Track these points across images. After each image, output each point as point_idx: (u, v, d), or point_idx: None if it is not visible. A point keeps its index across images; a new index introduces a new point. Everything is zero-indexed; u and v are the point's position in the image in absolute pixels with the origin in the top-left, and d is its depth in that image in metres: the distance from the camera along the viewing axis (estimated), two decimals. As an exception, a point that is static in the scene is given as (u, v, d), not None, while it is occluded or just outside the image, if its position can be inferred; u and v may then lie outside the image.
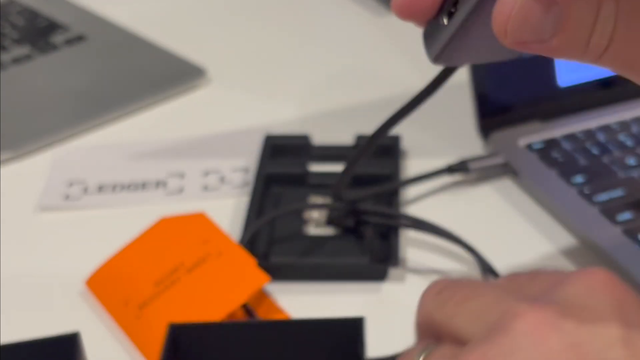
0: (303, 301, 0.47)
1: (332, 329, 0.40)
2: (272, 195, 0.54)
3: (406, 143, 0.58)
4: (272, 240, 0.50)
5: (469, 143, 0.57)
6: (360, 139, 0.57)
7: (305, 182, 0.55)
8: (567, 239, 0.49)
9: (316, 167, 0.56)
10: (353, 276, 0.48)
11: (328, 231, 0.51)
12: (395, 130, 0.58)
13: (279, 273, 0.47)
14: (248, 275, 0.45)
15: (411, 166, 0.56)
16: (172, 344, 0.40)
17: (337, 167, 0.54)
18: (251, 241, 0.49)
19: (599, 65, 0.28)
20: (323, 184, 0.54)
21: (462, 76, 0.56)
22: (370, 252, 0.49)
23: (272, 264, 0.47)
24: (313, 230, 0.51)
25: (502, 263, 0.48)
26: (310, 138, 0.58)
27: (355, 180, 0.53)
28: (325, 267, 0.48)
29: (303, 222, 0.51)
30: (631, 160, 0.52)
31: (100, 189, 0.56)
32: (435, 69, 0.70)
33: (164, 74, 0.68)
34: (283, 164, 0.56)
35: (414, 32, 0.76)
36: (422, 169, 0.54)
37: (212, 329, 0.41)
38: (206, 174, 0.57)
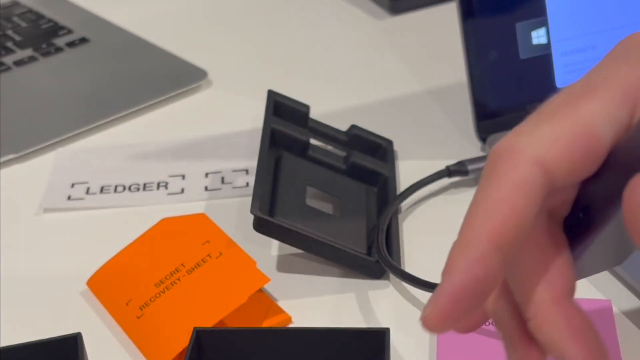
0: (299, 300, 0.47)
1: (357, 338, 0.40)
2: (272, 154, 0.52)
3: (405, 146, 0.59)
4: (276, 202, 0.49)
5: (468, 147, 0.57)
6: (353, 127, 0.57)
7: (305, 154, 0.53)
8: (564, 240, 0.49)
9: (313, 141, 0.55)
10: (350, 264, 0.48)
11: (329, 207, 0.51)
12: (394, 133, 0.59)
13: (280, 235, 0.46)
14: (248, 276, 0.45)
15: (410, 169, 0.56)
16: (196, 348, 0.40)
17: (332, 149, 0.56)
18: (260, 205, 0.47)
19: None
20: (322, 160, 0.53)
21: (460, 79, 0.56)
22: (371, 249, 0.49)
23: (276, 225, 0.46)
24: (316, 203, 0.51)
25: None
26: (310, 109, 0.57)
27: (351, 171, 0.54)
28: (325, 246, 0.47)
29: (306, 191, 0.51)
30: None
31: (103, 189, 0.57)
32: (432, 72, 0.70)
33: (165, 76, 0.69)
34: (288, 125, 0.54)
35: (413, 35, 0.77)
36: (421, 171, 0.54)
37: (237, 334, 0.41)
38: (207, 174, 0.57)
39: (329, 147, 0.56)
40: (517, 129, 0.29)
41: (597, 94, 0.28)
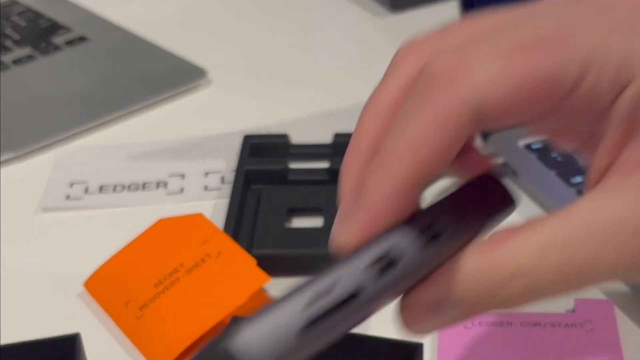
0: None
1: (390, 349, 0.40)
2: (252, 193, 0.54)
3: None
4: (255, 232, 0.50)
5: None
6: (337, 136, 0.57)
7: (285, 179, 0.54)
8: (566, 240, 0.49)
9: (296, 165, 0.56)
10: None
11: (311, 223, 0.51)
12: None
13: (261, 265, 0.46)
14: (248, 275, 0.45)
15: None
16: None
17: (317, 164, 0.55)
18: (234, 235, 0.49)
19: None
20: (303, 180, 0.54)
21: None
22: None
23: (254, 256, 0.46)
24: (296, 222, 0.51)
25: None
26: (289, 137, 0.58)
27: (335, 178, 0.54)
28: (305, 259, 0.48)
29: (285, 215, 0.51)
30: (630, 161, 0.52)
31: (102, 189, 0.57)
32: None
33: (165, 75, 0.69)
34: (262, 162, 0.56)
35: (414, 33, 0.76)
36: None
37: None
38: (207, 174, 0.57)
39: (314, 165, 0.56)
40: (470, 42, 0.26)
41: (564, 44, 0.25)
